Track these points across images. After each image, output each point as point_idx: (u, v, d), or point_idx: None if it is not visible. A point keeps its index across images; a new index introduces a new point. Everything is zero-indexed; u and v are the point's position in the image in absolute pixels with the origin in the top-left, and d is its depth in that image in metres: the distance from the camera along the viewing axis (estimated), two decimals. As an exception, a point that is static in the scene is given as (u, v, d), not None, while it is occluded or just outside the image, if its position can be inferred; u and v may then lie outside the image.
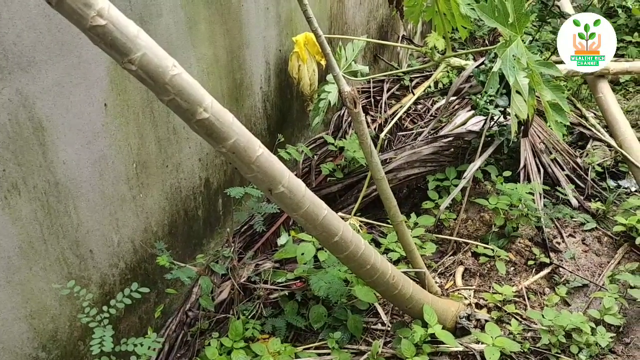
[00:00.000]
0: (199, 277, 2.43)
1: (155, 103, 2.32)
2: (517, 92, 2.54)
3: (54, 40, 1.80)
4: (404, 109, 2.94)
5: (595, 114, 4.38)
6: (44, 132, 1.83)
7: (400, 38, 5.34)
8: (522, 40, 2.58)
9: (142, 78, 1.36)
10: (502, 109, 3.06)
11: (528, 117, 2.91)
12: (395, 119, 2.84)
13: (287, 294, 2.73)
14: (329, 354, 2.51)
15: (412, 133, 4.28)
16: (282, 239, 2.92)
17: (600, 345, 2.50)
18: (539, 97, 2.61)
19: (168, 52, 1.41)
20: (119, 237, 2.27)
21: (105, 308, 1.88)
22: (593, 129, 4.05)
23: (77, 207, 2.02)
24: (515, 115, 2.57)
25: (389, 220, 2.66)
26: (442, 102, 4.44)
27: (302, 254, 2.58)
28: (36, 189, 1.84)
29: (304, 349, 2.61)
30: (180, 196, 2.64)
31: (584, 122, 4.16)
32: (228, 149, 1.58)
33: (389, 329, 2.67)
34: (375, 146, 2.75)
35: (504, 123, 3.35)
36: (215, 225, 2.99)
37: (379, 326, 2.73)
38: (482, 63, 3.30)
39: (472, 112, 3.72)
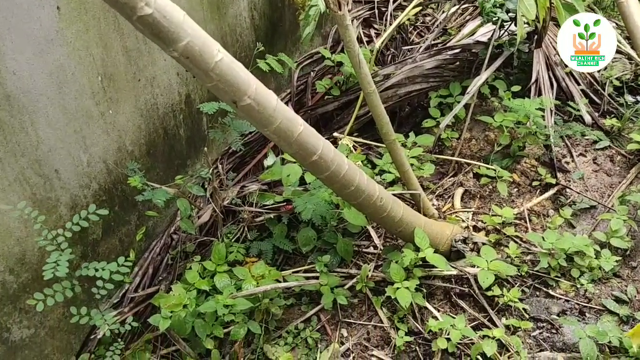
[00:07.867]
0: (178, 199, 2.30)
1: (119, 8, 2.08)
2: (528, -9, 2.25)
3: None
4: (405, 12, 2.64)
5: (617, 23, 3.99)
6: (-16, 38, 1.63)
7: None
8: None
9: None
10: (514, 15, 2.75)
11: (542, 24, 2.62)
12: (394, 26, 2.57)
13: (273, 217, 2.61)
14: (317, 277, 2.41)
15: (418, 47, 3.97)
16: (269, 160, 2.75)
17: (604, 269, 2.37)
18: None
19: None
20: (88, 156, 2.12)
21: (60, 231, 1.74)
22: (614, 40, 3.70)
23: (35, 123, 1.86)
24: (524, 17, 2.29)
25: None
26: (452, 10, 4.08)
27: (288, 175, 2.42)
28: (-18, 103, 1.67)
29: (293, 272, 2.53)
30: (157, 114, 2.46)
31: (605, 32, 3.80)
32: (180, 52, 1.38)
33: (381, 252, 2.56)
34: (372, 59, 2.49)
35: (515, 31, 3.04)
36: (200, 146, 2.82)
37: (371, 249, 2.62)
38: (493, -38, 2.95)
39: (482, 21, 3.40)
